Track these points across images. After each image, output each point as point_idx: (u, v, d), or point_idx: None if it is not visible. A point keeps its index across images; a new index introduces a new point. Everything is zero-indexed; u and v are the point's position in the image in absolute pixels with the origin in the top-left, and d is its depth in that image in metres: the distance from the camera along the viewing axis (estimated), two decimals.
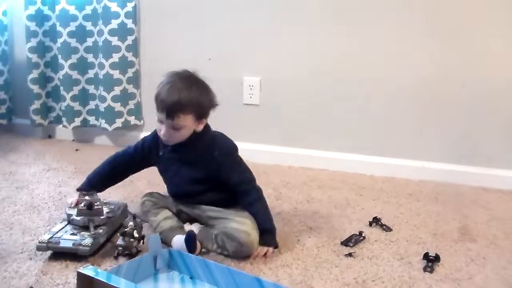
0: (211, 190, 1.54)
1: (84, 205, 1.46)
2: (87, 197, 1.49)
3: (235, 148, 1.56)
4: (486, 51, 2.05)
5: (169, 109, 1.43)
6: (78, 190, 1.59)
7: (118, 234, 1.42)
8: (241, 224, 1.43)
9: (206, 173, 1.51)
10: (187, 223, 1.57)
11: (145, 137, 1.64)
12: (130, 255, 1.37)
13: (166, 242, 1.44)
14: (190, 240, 1.39)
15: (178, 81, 1.46)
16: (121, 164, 1.65)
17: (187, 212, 1.59)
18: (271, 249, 1.44)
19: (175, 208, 1.59)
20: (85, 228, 1.44)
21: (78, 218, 1.45)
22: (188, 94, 1.43)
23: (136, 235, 1.39)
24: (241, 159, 1.56)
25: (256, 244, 1.42)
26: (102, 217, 1.47)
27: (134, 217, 1.51)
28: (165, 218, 1.53)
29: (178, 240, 1.42)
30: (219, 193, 1.54)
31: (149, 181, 2.02)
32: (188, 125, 1.46)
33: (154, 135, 1.57)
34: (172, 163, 1.56)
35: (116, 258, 1.38)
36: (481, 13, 2.03)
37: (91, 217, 1.45)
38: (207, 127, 1.54)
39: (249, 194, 1.51)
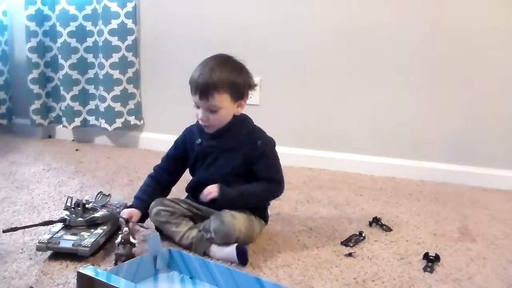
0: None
1: (78, 205, 1.46)
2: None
3: (275, 143, 1.50)
4: (486, 51, 2.05)
5: (202, 89, 1.37)
6: (129, 207, 1.53)
7: (116, 243, 1.34)
8: (232, 211, 1.42)
9: (244, 161, 1.44)
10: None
11: (185, 129, 1.58)
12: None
13: (197, 252, 1.40)
14: (241, 252, 1.34)
15: (210, 61, 1.42)
16: (165, 173, 1.57)
17: (201, 212, 1.50)
18: (214, 190, 1.41)
19: (189, 211, 1.49)
20: (85, 228, 1.44)
21: (76, 219, 1.45)
22: (220, 72, 1.38)
23: (132, 240, 1.35)
24: (278, 156, 1.50)
25: (238, 232, 1.38)
26: (98, 216, 1.47)
27: (127, 221, 1.45)
28: (189, 229, 1.44)
29: (220, 251, 1.37)
30: None
31: None
32: (225, 106, 1.40)
33: (194, 124, 1.52)
34: (211, 151, 1.48)
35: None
36: (482, 13, 2.04)
37: (86, 216, 1.45)
38: (247, 116, 1.51)
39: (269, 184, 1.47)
